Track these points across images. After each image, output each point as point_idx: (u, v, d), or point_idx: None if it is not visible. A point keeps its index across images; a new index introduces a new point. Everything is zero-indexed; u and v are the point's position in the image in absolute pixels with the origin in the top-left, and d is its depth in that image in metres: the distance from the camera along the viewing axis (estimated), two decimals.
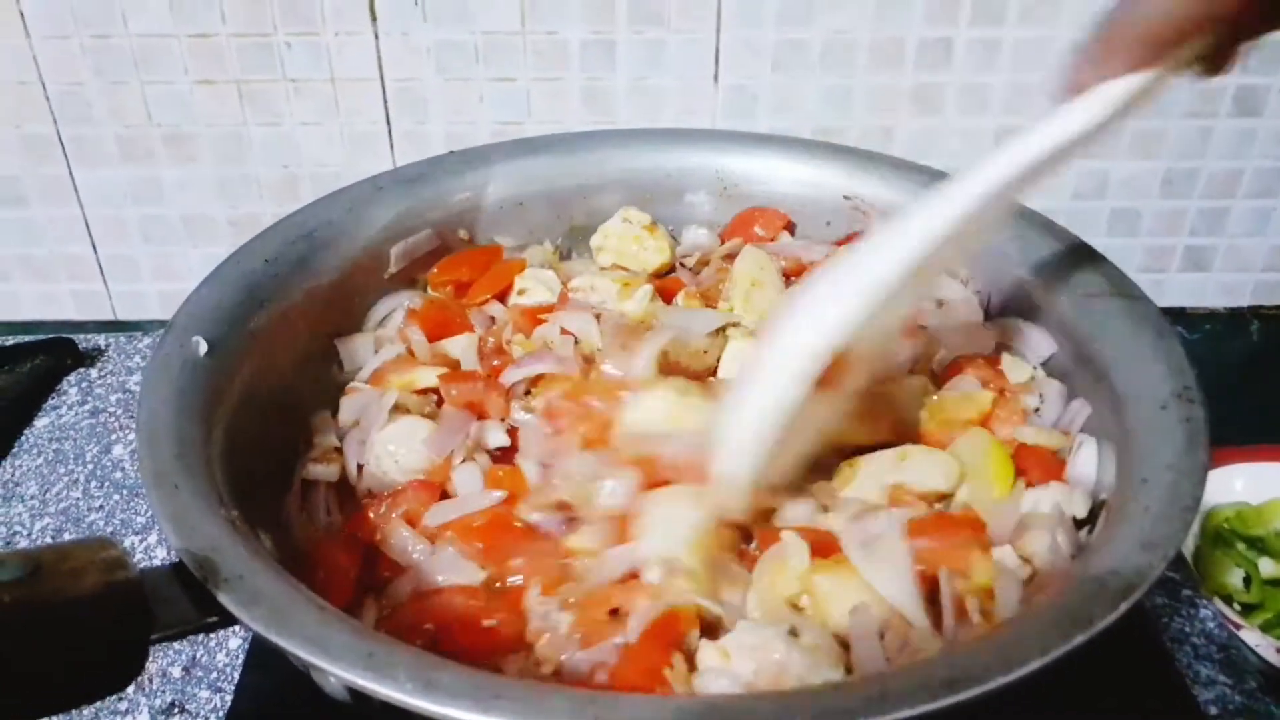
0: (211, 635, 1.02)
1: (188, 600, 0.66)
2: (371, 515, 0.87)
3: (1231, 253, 1.58)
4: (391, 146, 1.45)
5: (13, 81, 1.38)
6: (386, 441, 0.92)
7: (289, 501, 0.92)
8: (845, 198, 1.18)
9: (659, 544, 0.81)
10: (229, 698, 0.93)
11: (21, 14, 1.33)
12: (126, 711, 0.95)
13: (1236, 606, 1.10)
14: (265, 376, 0.96)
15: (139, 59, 1.37)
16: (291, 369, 1.01)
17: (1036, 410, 0.94)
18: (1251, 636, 1.02)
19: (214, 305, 0.96)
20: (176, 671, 0.99)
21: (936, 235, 0.77)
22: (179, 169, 1.45)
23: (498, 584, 0.82)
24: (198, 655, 1.00)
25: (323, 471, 0.94)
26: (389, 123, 1.43)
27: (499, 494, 0.88)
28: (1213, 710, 0.95)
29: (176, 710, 0.95)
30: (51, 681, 0.61)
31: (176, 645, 1.01)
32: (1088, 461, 0.88)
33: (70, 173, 1.45)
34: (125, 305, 1.57)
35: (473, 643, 0.77)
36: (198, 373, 0.88)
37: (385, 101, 1.41)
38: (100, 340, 1.49)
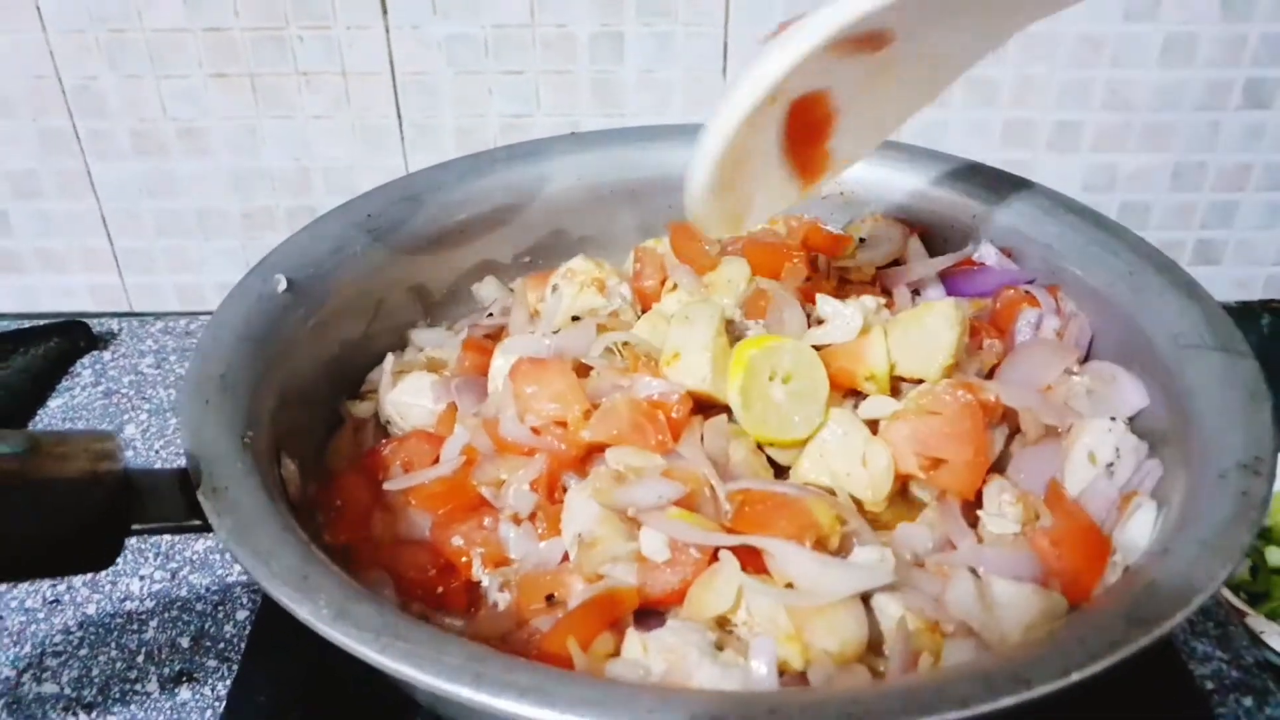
0: (219, 607, 1.03)
1: (179, 502, 0.74)
2: (384, 453, 0.94)
3: (1242, 246, 1.57)
4: (402, 139, 1.45)
5: (29, 76, 1.40)
6: (400, 393, 1.00)
7: (340, 435, 1.00)
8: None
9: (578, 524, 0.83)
10: (236, 667, 0.95)
11: (38, 9, 1.35)
12: (135, 679, 0.96)
13: (1243, 595, 1.09)
14: (339, 322, 1.02)
15: (154, 53, 1.38)
16: (369, 320, 1.07)
17: (1110, 466, 0.87)
18: (1257, 624, 1.02)
19: (305, 249, 1.02)
20: (185, 642, 1.00)
21: None
22: (193, 162, 1.46)
23: (445, 546, 0.87)
24: (206, 626, 1.01)
25: (362, 409, 1.02)
26: (399, 116, 1.44)
27: (447, 467, 0.90)
28: (1209, 685, 0.95)
29: (185, 679, 0.96)
30: (31, 550, 0.69)
31: (185, 616, 1.02)
32: (1142, 525, 0.82)
33: (86, 166, 1.47)
34: (141, 297, 1.58)
35: (426, 597, 0.83)
36: (271, 307, 0.94)
37: (396, 95, 1.42)
38: (114, 324, 1.51)
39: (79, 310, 1.55)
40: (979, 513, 0.86)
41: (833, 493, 0.87)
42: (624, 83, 1.41)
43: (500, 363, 0.95)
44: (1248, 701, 0.94)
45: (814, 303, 0.97)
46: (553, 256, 1.16)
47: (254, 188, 1.49)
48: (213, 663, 0.97)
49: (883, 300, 1.00)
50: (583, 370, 0.93)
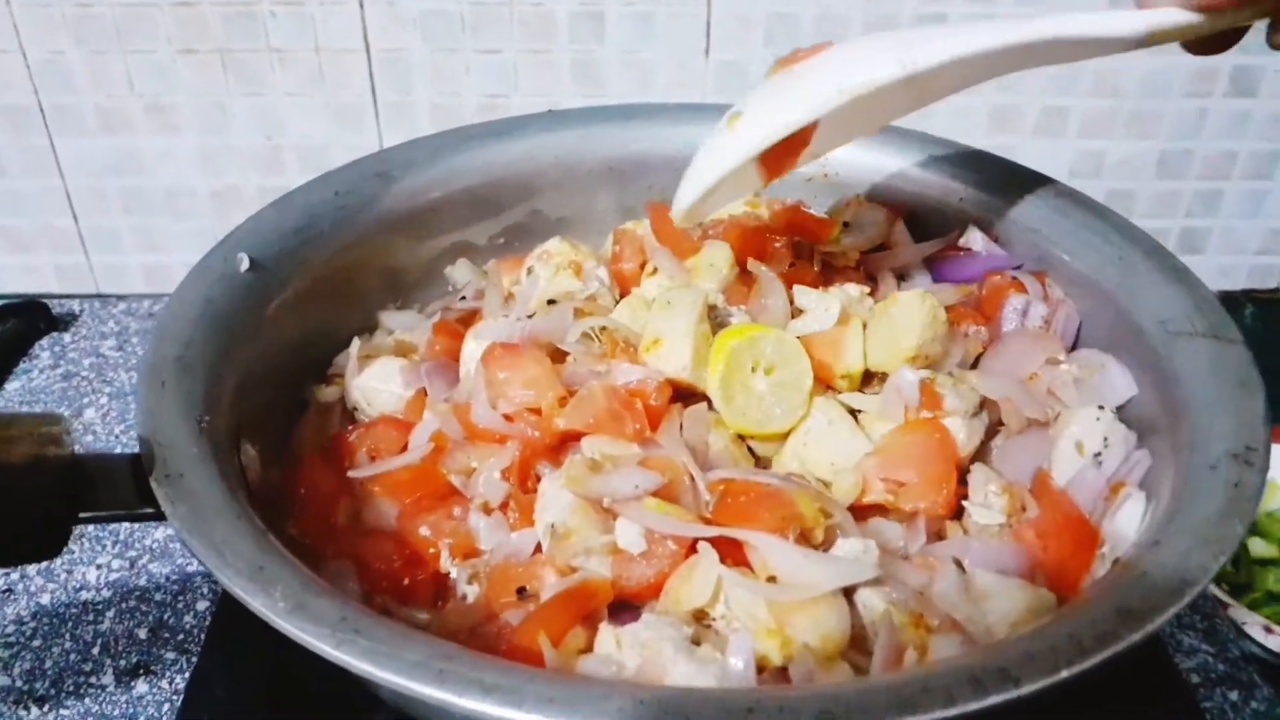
0: (179, 597, 1.01)
1: (131, 489, 0.71)
2: (350, 440, 0.91)
3: (1226, 235, 1.56)
4: (377, 117, 1.43)
5: None
6: (367, 378, 0.97)
7: (305, 420, 0.97)
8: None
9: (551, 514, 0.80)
10: (195, 659, 0.92)
11: None
12: (91, 672, 0.94)
13: (1225, 586, 1.09)
14: (305, 303, 0.98)
15: (121, 28, 1.35)
16: (337, 302, 1.03)
17: (1097, 455, 0.85)
18: (1240, 615, 1.01)
19: (270, 227, 0.98)
20: (143, 633, 0.97)
21: (942, 57, 0.80)
22: (161, 140, 1.43)
23: (412, 536, 0.84)
24: (165, 617, 0.99)
25: (328, 394, 0.99)
26: (374, 94, 1.41)
27: (415, 454, 0.88)
28: (1194, 679, 0.94)
29: (142, 671, 0.93)
30: None
31: (143, 606, 1.00)
32: (1131, 516, 0.80)
33: (51, 143, 1.43)
34: (108, 278, 1.55)
35: (392, 589, 0.81)
36: (233, 286, 0.91)
37: (371, 72, 1.40)
38: (75, 305, 1.48)
39: (44, 291, 1.52)
40: (964, 503, 0.85)
41: (827, 485, 0.85)
42: (605, 63, 1.39)
43: (472, 347, 0.93)
44: (1234, 695, 0.93)
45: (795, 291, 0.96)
46: (529, 238, 1.13)
47: (224, 166, 1.46)
48: (171, 655, 0.95)
49: (866, 288, 0.98)
50: (558, 356, 0.91)
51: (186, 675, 0.92)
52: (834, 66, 0.82)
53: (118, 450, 1.20)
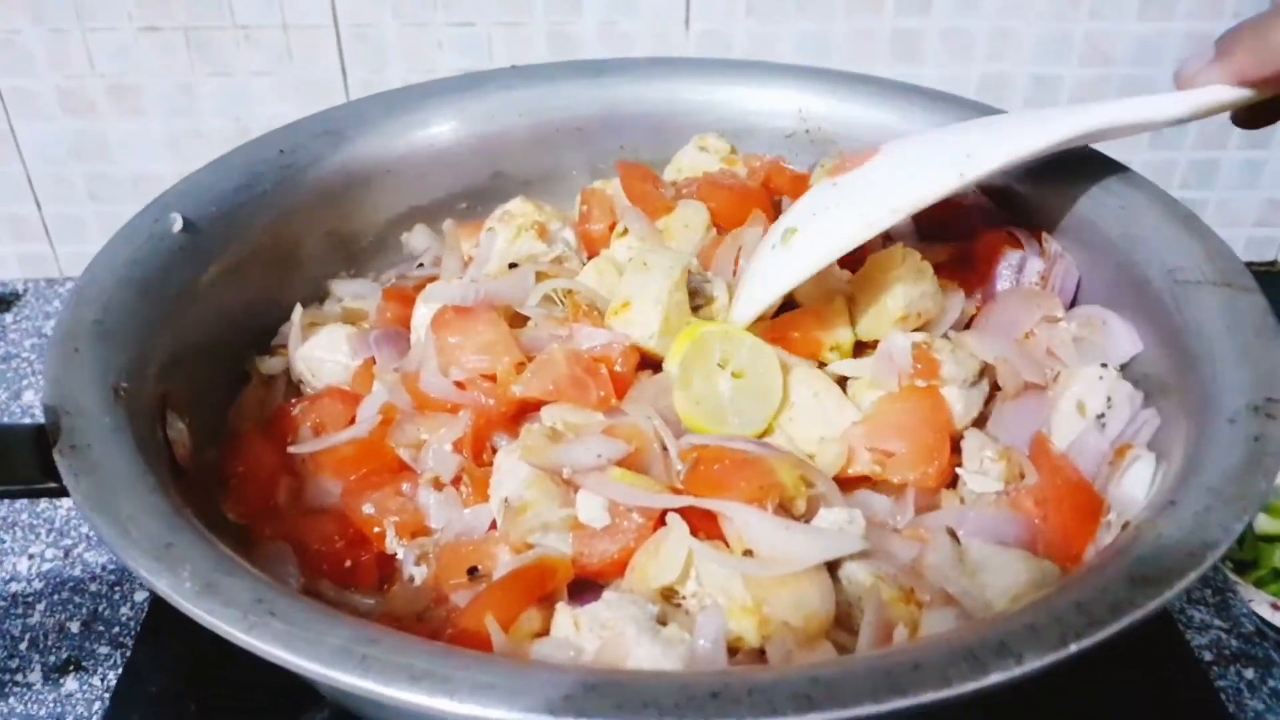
0: (116, 588, 0.95)
1: (32, 462, 0.66)
2: (293, 413, 0.85)
3: (1222, 207, 1.52)
4: (348, 95, 1.38)
5: None
6: (312, 347, 0.92)
7: (246, 393, 0.92)
8: None
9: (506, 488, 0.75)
10: (131, 653, 0.87)
11: None
12: (17, 669, 0.88)
13: (1229, 563, 1.05)
14: (247, 269, 0.93)
15: (80, 5, 1.30)
16: (281, 269, 0.97)
17: (1100, 417, 0.80)
18: (1246, 592, 0.98)
19: (207, 186, 0.92)
20: (75, 626, 0.92)
21: (999, 163, 0.82)
22: (125, 123, 1.38)
23: (355, 515, 0.79)
24: (100, 609, 0.94)
25: (271, 365, 0.94)
26: (344, 71, 1.36)
27: (362, 428, 0.82)
28: (1207, 657, 0.89)
29: (72, 668, 0.88)
30: None
31: (77, 598, 0.95)
32: (1139, 480, 0.75)
33: (11, 127, 1.38)
34: (73, 267, 1.50)
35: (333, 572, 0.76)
36: (163, 248, 0.85)
37: (340, 49, 1.35)
38: (19, 285, 1.43)
39: (6, 279, 1.47)
40: (958, 470, 0.80)
41: (812, 459, 0.80)
42: (582, 35, 1.34)
43: (423, 312, 0.87)
44: (1249, 673, 0.89)
45: None
46: (492, 201, 1.06)
47: (191, 150, 1.41)
48: (104, 649, 0.90)
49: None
50: (518, 322, 0.86)
51: (120, 671, 0.86)
52: (888, 183, 0.84)
53: None
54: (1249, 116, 0.80)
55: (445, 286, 0.89)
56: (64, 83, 1.35)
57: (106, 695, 0.85)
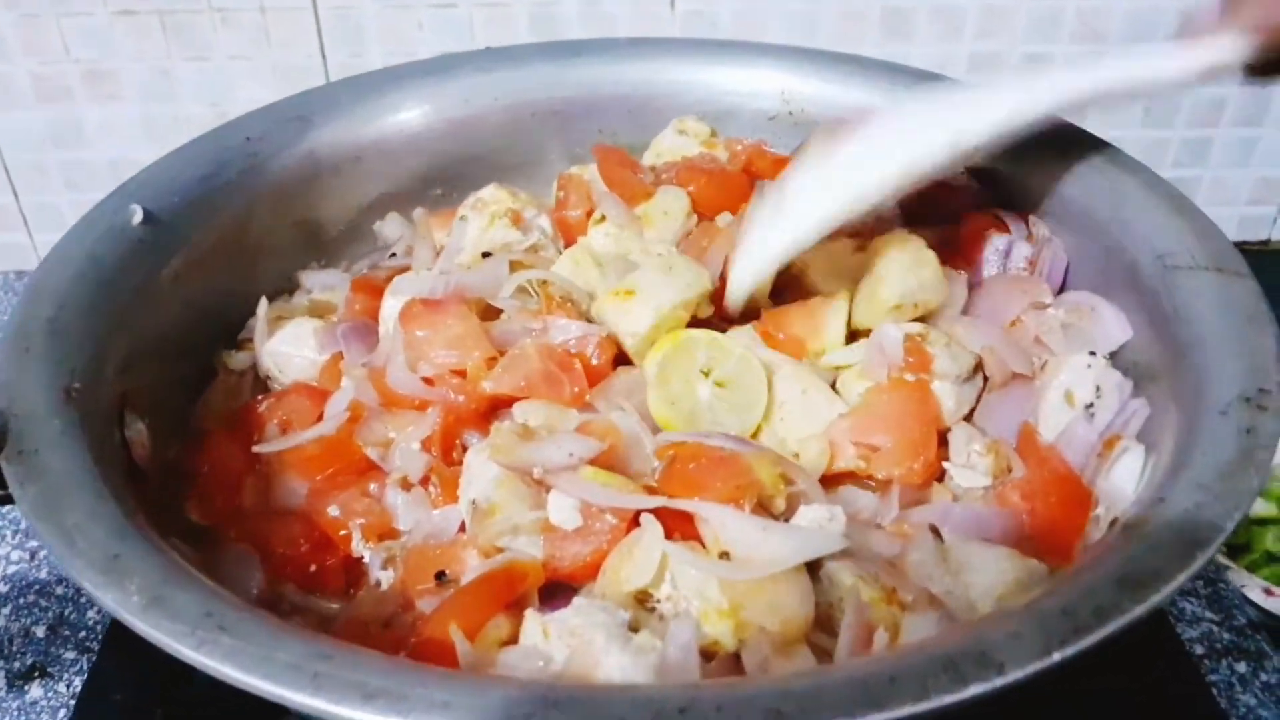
0: (82, 592, 0.92)
1: None
2: (259, 411, 0.83)
3: (1215, 185, 1.50)
4: (327, 79, 1.35)
5: None
6: (279, 342, 0.90)
7: (212, 390, 0.90)
8: None
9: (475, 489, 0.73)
10: (96, 659, 0.85)
11: None
12: None
13: (1223, 548, 1.02)
14: (212, 261, 0.91)
15: None
16: (248, 260, 0.95)
17: (1089, 406, 0.79)
18: (1238, 577, 0.97)
19: (170, 176, 0.90)
20: (40, 631, 0.90)
21: (992, 131, 0.81)
22: (101, 109, 1.36)
23: (321, 517, 0.77)
24: (66, 613, 0.92)
25: (238, 361, 0.92)
26: (324, 55, 1.34)
27: (329, 425, 0.80)
28: (1198, 650, 0.87)
29: (37, 674, 0.86)
30: None
31: (43, 602, 0.93)
32: (1128, 472, 0.74)
33: None
34: None
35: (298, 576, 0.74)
36: (123, 241, 0.83)
37: (319, 32, 1.33)
38: None
39: None
40: (945, 465, 0.78)
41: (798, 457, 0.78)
42: (565, 16, 1.32)
43: (391, 304, 0.85)
44: (1241, 667, 0.87)
45: None
46: (466, 188, 1.03)
47: (169, 136, 1.34)
48: (70, 655, 0.88)
49: None
50: (491, 314, 0.84)
51: (85, 677, 0.85)
52: (881, 151, 0.83)
53: None
54: (1262, 66, 0.77)
55: (414, 278, 0.87)
56: (38, 69, 1.32)
57: (72, 703, 0.83)
